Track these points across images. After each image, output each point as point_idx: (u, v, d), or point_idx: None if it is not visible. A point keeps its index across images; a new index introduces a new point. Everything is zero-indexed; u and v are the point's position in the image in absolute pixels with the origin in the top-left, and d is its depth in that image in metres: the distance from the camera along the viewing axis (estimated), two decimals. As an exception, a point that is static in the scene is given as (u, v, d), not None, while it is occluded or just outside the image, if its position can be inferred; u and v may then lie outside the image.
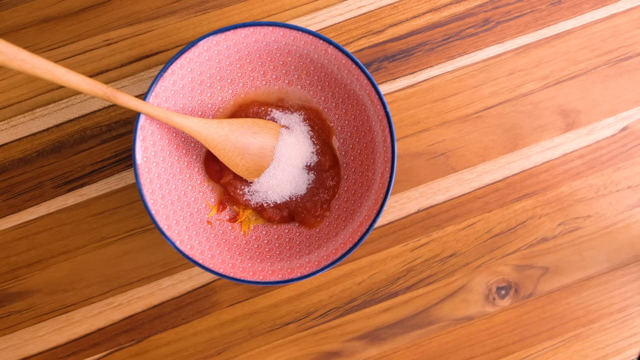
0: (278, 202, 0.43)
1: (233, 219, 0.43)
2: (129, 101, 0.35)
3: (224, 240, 0.42)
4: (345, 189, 0.43)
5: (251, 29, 0.39)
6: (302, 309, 0.46)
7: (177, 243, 0.39)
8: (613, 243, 0.47)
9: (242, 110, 0.43)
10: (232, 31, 0.38)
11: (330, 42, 0.39)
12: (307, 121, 0.43)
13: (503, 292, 0.46)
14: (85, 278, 0.45)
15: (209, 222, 0.42)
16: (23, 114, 0.44)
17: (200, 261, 0.39)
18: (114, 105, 0.45)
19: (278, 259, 0.41)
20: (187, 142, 0.42)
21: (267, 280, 0.39)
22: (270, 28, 0.39)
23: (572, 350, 0.47)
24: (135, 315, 0.45)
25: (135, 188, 0.45)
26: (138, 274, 0.45)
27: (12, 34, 0.44)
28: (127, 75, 0.45)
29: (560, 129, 0.47)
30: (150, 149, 0.39)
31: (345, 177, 0.44)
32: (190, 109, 0.41)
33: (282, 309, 0.46)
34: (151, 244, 0.45)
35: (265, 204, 0.43)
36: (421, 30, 0.46)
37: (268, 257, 0.42)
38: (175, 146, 0.41)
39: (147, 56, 0.45)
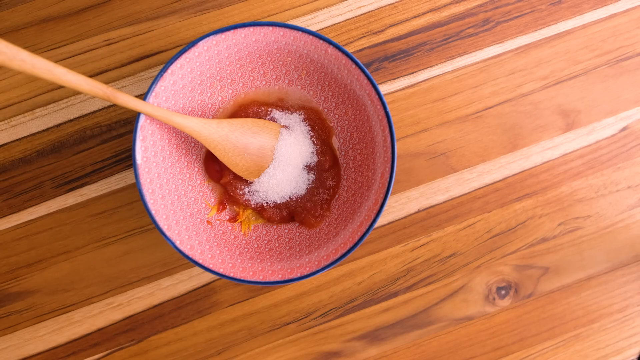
0: (278, 202, 0.43)
1: (233, 219, 0.43)
2: (129, 101, 0.35)
3: (224, 240, 0.42)
4: (345, 189, 0.43)
5: (251, 29, 0.39)
6: (302, 309, 0.46)
7: (177, 243, 0.39)
8: (613, 243, 0.47)
9: (242, 110, 0.43)
10: (232, 31, 0.38)
11: (330, 42, 0.39)
12: (307, 121, 0.43)
13: (503, 292, 0.46)
14: (85, 278, 0.45)
15: (209, 222, 0.42)
16: (23, 114, 0.44)
17: (200, 261, 0.39)
18: (114, 105, 0.45)
19: (278, 259, 0.41)
20: (187, 142, 0.42)
21: (267, 280, 0.39)
22: (270, 28, 0.39)
23: (572, 350, 0.47)
24: (135, 315, 0.45)
25: (135, 188, 0.45)
26: (138, 274, 0.45)
27: (12, 34, 0.44)
28: (127, 75, 0.45)
29: (560, 129, 0.47)
30: (150, 149, 0.39)
31: (345, 177, 0.44)
32: (190, 109, 0.41)
33: (282, 309, 0.46)
34: (151, 244, 0.45)
35: (265, 204, 0.43)
36: (421, 30, 0.46)
37: (268, 257, 0.42)
38: (175, 146, 0.41)
39: (147, 56, 0.45)
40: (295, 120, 0.43)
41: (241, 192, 0.43)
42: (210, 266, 0.39)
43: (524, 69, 0.46)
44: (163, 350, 0.45)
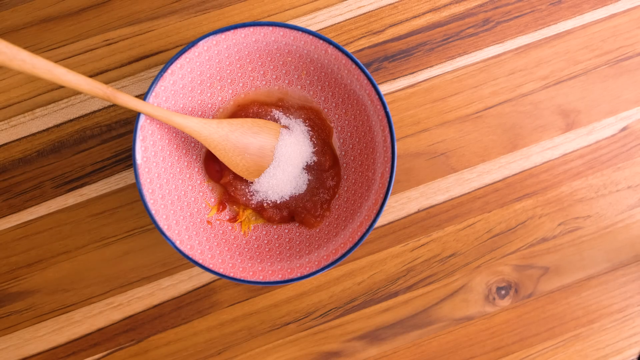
0: (278, 202, 0.43)
1: (233, 219, 0.43)
2: (129, 101, 0.35)
3: (224, 240, 0.42)
4: (345, 189, 0.43)
5: (251, 29, 0.39)
6: (302, 309, 0.46)
7: (177, 243, 0.39)
8: (613, 243, 0.47)
9: (242, 110, 0.43)
10: (232, 31, 0.38)
11: (330, 42, 0.39)
12: (307, 121, 0.43)
13: (503, 292, 0.46)
14: (85, 278, 0.45)
15: (209, 222, 0.42)
16: (23, 114, 0.44)
17: (200, 261, 0.39)
18: (114, 105, 0.45)
19: (278, 259, 0.41)
20: (187, 142, 0.42)
21: (267, 280, 0.39)
22: (270, 28, 0.39)
23: (572, 350, 0.47)
24: (135, 315, 0.45)
25: (135, 188, 0.45)
26: (138, 274, 0.45)
27: (12, 34, 0.44)
28: (127, 75, 0.45)
29: (560, 129, 0.47)
30: (150, 149, 0.39)
31: (345, 177, 0.44)
32: (190, 109, 0.41)
33: (282, 309, 0.46)
34: (151, 244, 0.45)
35: (265, 204, 0.43)
36: (421, 30, 0.46)
37: (268, 257, 0.42)
38: (175, 146, 0.41)
39: (147, 56, 0.45)
40: (295, 120, 0.43)
41: (241, 192, 0.43)
42: (210, 266, 0.39)
43: (524, 69, 0.46)
44: (163, 350, 0.45)
